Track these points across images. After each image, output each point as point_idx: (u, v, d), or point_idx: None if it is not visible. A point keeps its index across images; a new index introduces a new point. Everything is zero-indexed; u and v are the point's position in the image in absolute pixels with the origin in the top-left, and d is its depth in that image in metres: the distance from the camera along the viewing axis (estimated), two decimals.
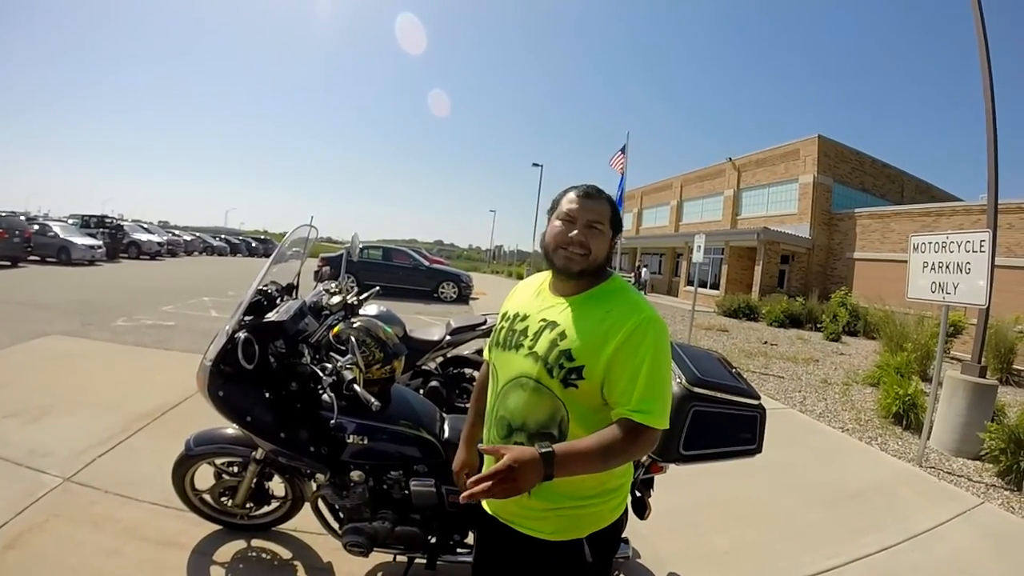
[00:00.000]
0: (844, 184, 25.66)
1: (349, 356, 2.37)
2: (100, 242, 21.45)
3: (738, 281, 25.12)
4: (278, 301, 2.86)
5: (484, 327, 4.66)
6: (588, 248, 1.48)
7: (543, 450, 1.23)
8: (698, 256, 12.01)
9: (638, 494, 2.53)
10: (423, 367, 4.67)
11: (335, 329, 2.69)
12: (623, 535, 1.90)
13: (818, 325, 16.72)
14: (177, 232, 37.10)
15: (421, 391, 4.33)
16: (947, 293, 5.50)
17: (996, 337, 10.50)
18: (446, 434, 2.57)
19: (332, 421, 2.30)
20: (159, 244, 27.97)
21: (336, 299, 3.19)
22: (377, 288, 4.35)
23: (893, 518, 4.05)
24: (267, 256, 2.98)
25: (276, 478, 2.87)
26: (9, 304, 9.54)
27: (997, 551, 3.76)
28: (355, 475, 2.46)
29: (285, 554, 2.88)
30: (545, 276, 1.67)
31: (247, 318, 2.57)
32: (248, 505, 2.90)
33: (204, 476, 2.92)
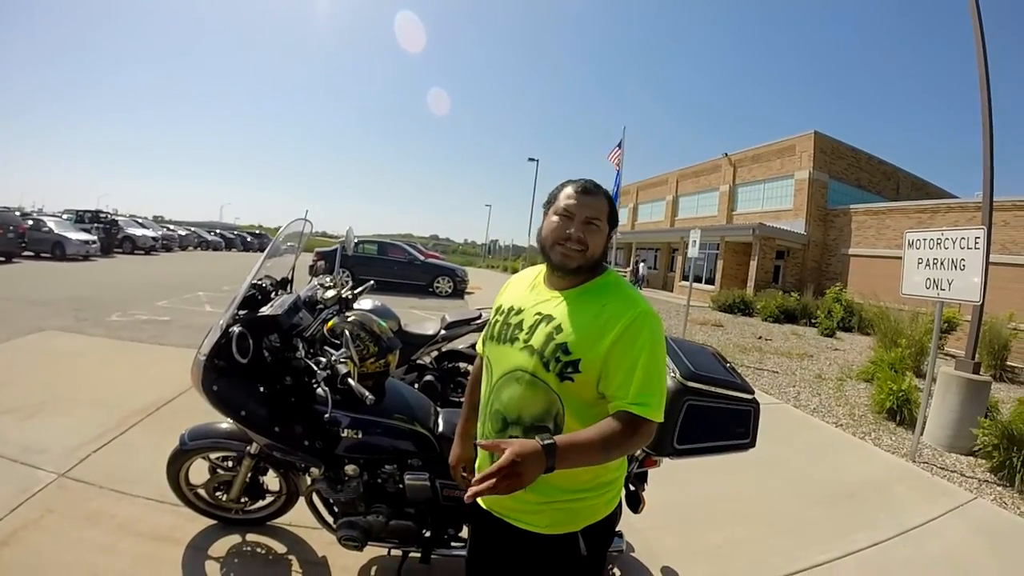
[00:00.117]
0: (840, 180, 25.66)
1: (343, 350, 2.37)
2: (94, 237, 21.37)
3: (733, 276, 25.13)
4: (272, 295, 2.84)
5: (479, 321, 4.67)
6: (586, 244, 1.48)
7: (545, 442, 1.22)
8: (693, 251, 12.02)
9: (632, 488, 2.53)
10: (418, 361, 4.67)
11: (329, 323, 2.68)
12: (617, 529, 1.90)
13: (813, 321, 16.80)
14: (172, 227, 36.97)
15: (416, 385, 4.33)
16: (941, 289, 5.51)
17: (990, 334, 10.55)
18: (440, 428, 2.57)
19: (326, 415, 2.30)
20: (154, 239, 27.85)
21: (331, 293, 3.18)
22: (371, 282, 4.35)
23: (886, 513, 4.08)
24: (262, 251, 2.97)
25: (271, 472, 2.87)
26: (3, 300, 9.50)
27: (990, 546, 3.78)
28: (349, 469, 2.46)
29: (280, 548, 2.88)
30: (539, 270, 1.67)
31: (241, 312, 2.56)
32: (243, 500, 2.90)
33: (199, 471, 2.92)
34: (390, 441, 2.47)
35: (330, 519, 2.63)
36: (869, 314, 13.64)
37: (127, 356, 6.46)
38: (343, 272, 4.06)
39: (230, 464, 2.86)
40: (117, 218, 27.88)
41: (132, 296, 11.19)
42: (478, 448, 1.64)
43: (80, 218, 25.50)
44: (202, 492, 2.94)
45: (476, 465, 1.68)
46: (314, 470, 2.54)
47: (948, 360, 9.58)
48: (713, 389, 2.32)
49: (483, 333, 1.75)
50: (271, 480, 2.94)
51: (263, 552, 2.85)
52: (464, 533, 2.59)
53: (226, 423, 2.73)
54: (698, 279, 26.26)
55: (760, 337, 13.51)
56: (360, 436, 2.44)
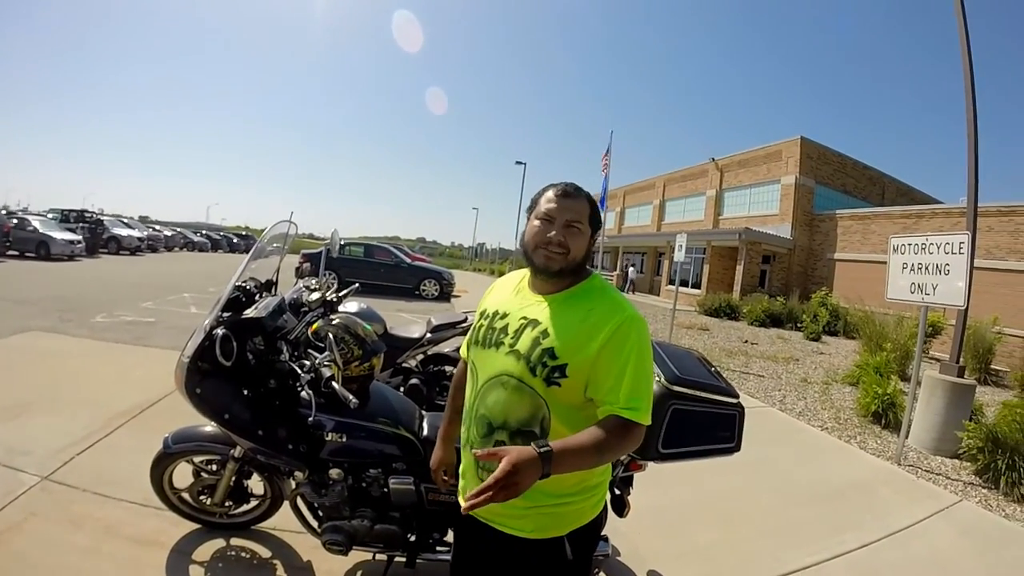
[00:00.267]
0: (826, 185, 25.90)
1: (327, 353, 2.36)
2: (80, 237, 21.17)
3: (719, 281, 25.27)
4: (257, 297, 2.83)
5: (465, 325, 4.65)
6: (567, 247, 1.48)
7: (541, 449, 1.21)
8: (680, 255, 12.07)
9: (617, 492, 2.53)
10: (403, 365, 4.65)
11: (314, 326, 2.67)
12: (603, 533, 1.90)
13: (798, 325, 16.89)
14: (158, 227, 36.70)
15: (401, 389, 4.31)
16: (926, 294, 5.56)
17: (975, 338, 10.67)
18: (425, 432, 2.56)
19: (310, 419, 2.29)
20: (139, 239, 27.62)
21: (315, 296, 3.17)
22: (356, 285, 4.33)
23: (872, 515, 4.10)
24: (248, 252, 2.96)
25: (255, 476, 2.85)
26: None
27: (975, 548, 3.82)
28: (334, 473, 2.45)
29: (264, 553, 2.86)
30: (523, 274, 1.66)
31: (225, 314, 2.54)
32: (227, 503, 2.87)
33: (183, 474, 2.90)
34: (375, 445, 2.46)
35: (315, 523, 2.62)
36: (854, 318, 13.75)
37: (112, 357, 6.40)
38: (329, 274, 4.04)
39: (214, 468, 2.84)
40: (103, 218, 27.63)
41: (117, 297, 11.09)
42: (463, 453, 1.63)
43: (65, 217, 25.28)
44: (186, 496, 2.91)
45: (460, 470, 1.67)
46: (298, 474, 2.52)
47: (933, 364, 9.67)
48: (698, 393, 2.32)
49: (467, 337, 1.74)
50: (255, 484, 2.91)
51: (248, 556, 2.83)
52: (449, 537, 2.58)
53: (210, 426, 2.71)
54: (684, 283, 26.39)
55: (746, 341, 13.57)
56: (344, 440, 2.42)
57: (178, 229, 40.73)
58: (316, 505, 2.58)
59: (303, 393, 2.36)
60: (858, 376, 8.44)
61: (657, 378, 2.25)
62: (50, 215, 25.39)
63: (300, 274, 13.28)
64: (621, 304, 1.48)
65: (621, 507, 2.53)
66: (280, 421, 2.42)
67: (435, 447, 1.93)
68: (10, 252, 18.41)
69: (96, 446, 3.87)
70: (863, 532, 3.80)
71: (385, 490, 2.48)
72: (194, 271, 20.25)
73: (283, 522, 2.92)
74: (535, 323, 1.48)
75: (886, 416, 6.62)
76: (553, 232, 1.48)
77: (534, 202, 1.57)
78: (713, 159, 30.93)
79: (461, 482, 1.67)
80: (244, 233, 52.85)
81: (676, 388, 2.27)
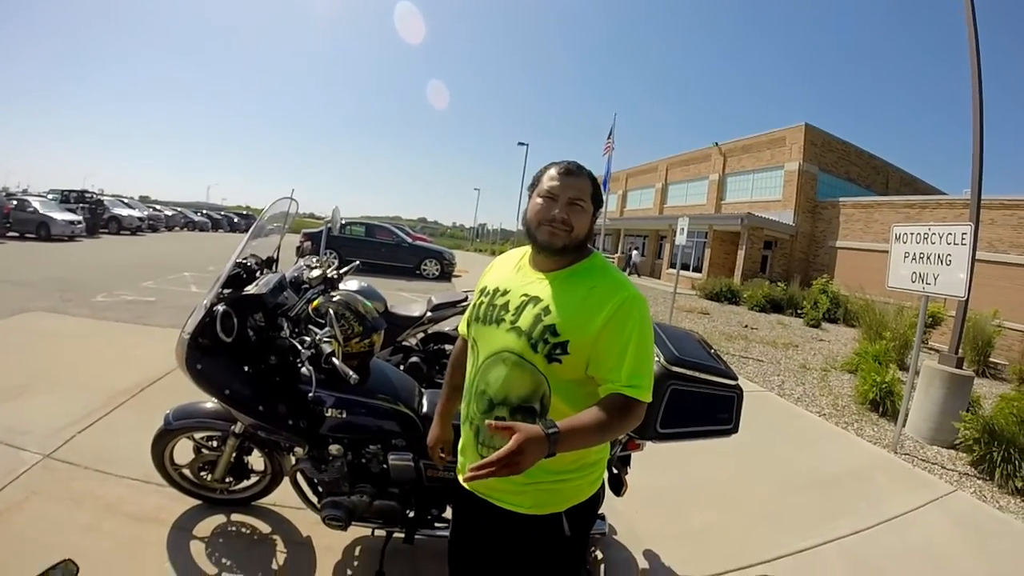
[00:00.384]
0: (829, 173, 25.77)
1: (328, 329, 2.36)
2: (80, 217, 21.07)
3: (721, 265, 25.22)
4: (258, 274, 2.82)
5: (465, 303, 4.65)
6: (571, 224, 1.48)
7: (550, 430, 1.23)
8: (681, 239, 12.05)
9: (615, 471, 2.55)
10: (404, 343, 4.67)
11: (314, 302, 2.67)
12: (600, 511, 1.92)
13: (799, 311, 16.89)
14: (158, 207, 36.57)
15: (401, 366, 4.32)
16: (927, 284, 5.56)
17: (974, 330, 10.66)
18: (424, 408, 2.57)
19: (310, 394, 2.30)
20: (140, 219, 27.49)
21: (316, 273, 3.17)
22: (357, 263, 4.34)
23: (867, 502, 4.13)
24: (248, 232, 2.95)
25: (255, 452, 2.87)
26: None
27: (968, 538, 3.85)
28: (333, 449, 2.46)
29: (264, 528, 2.89)
30: (524, 251, 1.67)
31: (226, 291, 2.55)
32: (227, 480, 2.89)
33: (184, 451, 2.91)
34: (374, 421, 2.47)
35: (314, 499, 2.63)
36: (855, 306, 13.75)
37: (112, 337, 6.41)
38: (329, 253, 4.04)
39: (215, 444, 2.85)
40: (103, 198, 27.50)
41: (117, 277, 11.08)
42: (463, 429, 1.64)
43: (66, 198, 25.13)
44: (187, 472, 2.93)
45: (460, 446, 1.68)
46: (298, 450, 2.54)
47: (932, 354, 9.68)
48: (697, 374, 2.33)
49: (466, 314, 1.74)
50: (256, 460, 2.93)
51: (248, 532, 2.86)
52: (448, 513, 2.60)
53: (211, 403, 2.73)
54: (685, 267, 26.33)
55: (746, 326, 13.59)
56: (344, 416, 2.44)
57: (179, 209, 40.61)
58: (316, 481, 2.60)
59: (303, 369, 2.36)
60: (857, 364, 8.45)
61: (656, 358, 2.25)
62: (50, 196, 25.24)
63: (301, 253, 13.26)
64: (623, 283, 1.49)
65: (618, 486, 2.55)
66: (280, 397, 2.43)
67: (432, 424, 1.93)
68: (10, 233, 18.34)
69: (97, 424, 3.89)
70: (857, 518, 3.82)
71: (384, 466, 2.49)
72: (194, 251, 20.22)
73: (283, 498, 2.94)
74: (537, 300, 1.49)
75: (884, 404, 6.64)
76: (556, 210, 1.48)
77: (536, 180, 1.57)
78: (716, 144, 30.75)
79: (460, 459, 1.67)
80: (245, 213, 52.73)
81: (675, 369, 2.28)
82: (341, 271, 3.69)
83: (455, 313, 4.70)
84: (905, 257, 5.87)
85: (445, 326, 4.88)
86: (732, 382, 2.44)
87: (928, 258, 5.58)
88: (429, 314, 4.66)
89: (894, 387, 6.72)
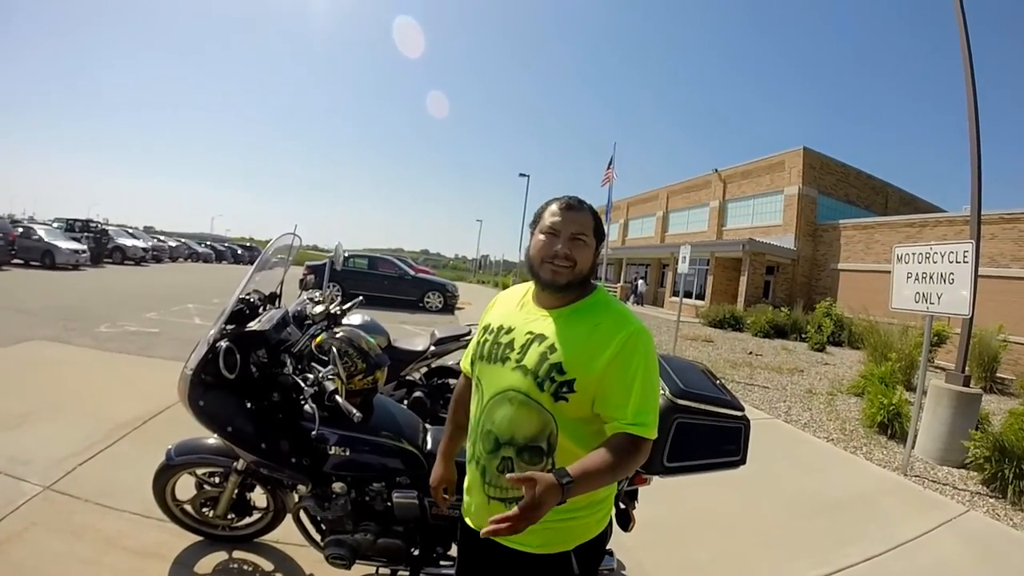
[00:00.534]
0: (829, 196, 25.88)
1: (331, 366, 2.36)
2: (85, 246, 21.24)
3: (723, 292, 25.23)
4: (261, 310, 2.83)
5: (469, 337, 4.65)
6: (573, 260, 1.48)
7: (565, 481, 1.22)
8: (683, 267, 12.06)
9: (622, 506, 2.52)
10: (407, 377, 4.65)
11: (317, 339, 2.67)
12: (608, 547, 1.89)
13: (803, 335, 16.84)
14: (162, 238, 36.84)
15: (405, 402, 4.31)
16: (931, 303, 5.54)
17: (980, 346, 10.62)
18: (429, 446, 2.55)
19: (314, 432, 2.29)
20: (144, 249, 27.71)
21: (319, 308, 3.17)
22: (360, 298, 4.34)
23: (878, 527, 4.08)
24: (252, 263, 2.96)
25: (258, 489, 2.84)
26: None
27: (982, 558, 3.79)
28: (337, 487, 2.44)
29: (267, 566, 2.85)
30: (527, 288, 1.66)
31: (229, 327, 2.54)
32: (230, 516, 2.87)
33: (185, 486, 2.89)
34: (378, 459, 2.45)
35: (317, 537, 2.61)
36: (859, 328, 13.71)
37: (115, 368, 6.40)
38: (332, 287, 4.05)
39: (217, 480, 2.84)
40: (107, 228, 27.73)
41: (121, 307, 11.11)
42: (469, 469, 1.62)
43: (70, 227, 25.36)
44: (188, 508, 2.91)
45: (465, 485, 1.66)
46: (301, 487, 2.52)
47: (938, 373, 9.63)
48: (703, 407, 2.31)
49: (468, 352, 1.74)
50: (258, 497, 2.91)
51: (250, 569, 2.82)
52: (453, 551, 2.57)
53: (213, 438, 2.71)
54: (688, 295, 26.36)
55: (750, 352, 13.53)
56: (348, 453, 2.42)
57: (182, 240, 40.89)
58: (319, 519, 2.58)
59: (306, 406, 2.36)
60: (863, 386, 8.40)
61: (662, 392, 2.23)
62: (55, 224, 25.48)
63: (304, 286, 13.30)
64: (627, 318, 1.48)
65: (626, 521, 2.52)
66: (283, 434, 2.42)
67: (435, 464, 1.90)
68: (15, 261, 18.47)
69: (98, 456, 3.87)
70: (869, 544, 3.77)
71: (388, 504, 2.47)
72: (198, 282, 20.29)
73: (286, 535, 2.91)
74: (542, 338, 1.48)
75: (892, 426, 6.59)
76: (559, 245, 1.48)
77: (538, 216, 1.58)
78: (716, 170, 30.94)
79: (466, 498, 1.66)
80: (248, 244, 52.98)
81: (681, 402, 2.26)
82: (344, 306, 3.69)
83: (459, 347, 4.68)
84: (908, 277, 5.86)
85: (449, 360, 4.86)
86: (739, 413, 2.41)
87: (931, 277, 5.57)
88: (433, 348, 4.65)
89: (902, 408, 6.67)
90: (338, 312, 3.46)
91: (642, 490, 2.63)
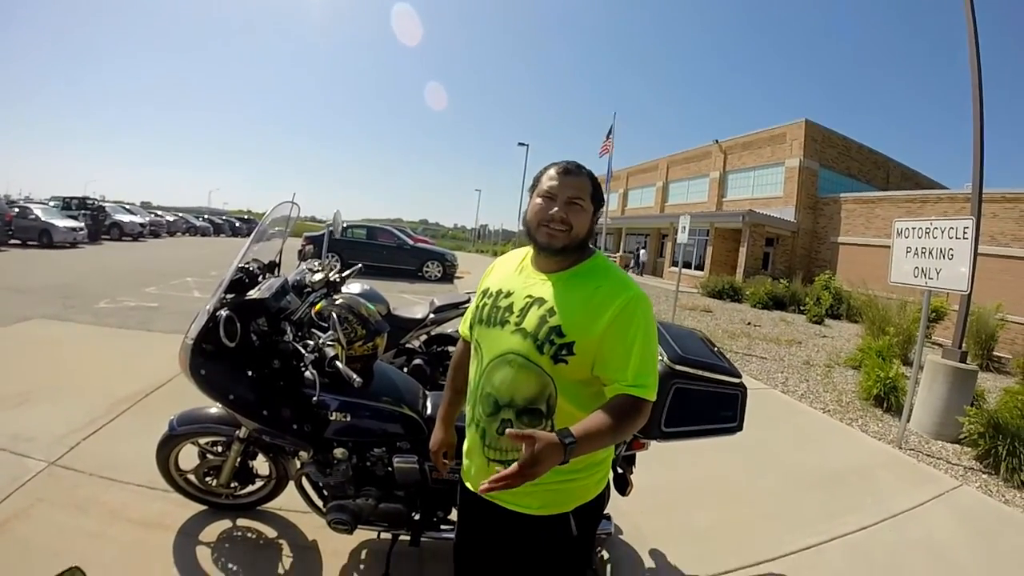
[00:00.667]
0: (830, 169, 25.71)
1: (331, 333, 2.36)
2: (82, 224, 21.12)
3: (723, 263, 25.16)
4: (260, 279, 2.82)
5: (467, 305, 4.64)
6: (569, 224, 1.48)
7: (567, 441, 1.22)
8: (683, 237, 12.04)
9: (620, 471, 2.54)
10: (407, 345, 4.67)
11: (317, 306, 2.67)
12: (605, 511, 1.92)
13: (801, 308, 16.86)
14: (159, 213, 36.63)
15: (405, 369, 4.33)
16: (929, 278, 5.54)
17: (977, 324, 10.64)
18: (429, 411, 2.56)
19: (314, 398, 2.30)
20: (141, 225, 27.57)
21: (318, 276, 3.17)
22: (359, 266, 4.34)
23: (872, 498, 4.12)
24: (250, 236, 2.96)
25: (260, 457, 2.87)
26: None
27: (974, 532, 3.83)
28: (338, 452, 2.46)
29: (270, 533, 2.89)
30: (525, 252, 1.66)
31: (228, 296, 2.55)
32: (233, 484, 2.89)
33: (188, 456, 2.91)
34: (378, 424, 2.47)
35: (320, 503, 2.64)
36: (857, 302, 13.72)
37: (115, 343, 6.43)
38: (331, 256, 4.04)
39: (219, 449, 2.86)
40: (104, 205, 27.55)
41: (120, 283, 11.10)
42: (468, 432, 1.64)
43: (67, 205, 25.19)
44: (192, 477, 2.94)
45: (465, 449, 1.68)
46: (303, 454, 2.55)
47: (935, 349, 9.67)
48: (701, 373, 2.33)
49: (467, 316, 1.74)
50: (261, 464, 2.94)
51: (254, 537, 2.86)
52: (453, 515, 2.60)
53: (215, 408, 2.73)
54: (687, 265, 26.28)
55: (749, 323, 13.58)
56: (348, 419, 2.44)
57: (180, 214, 40.66)
58: (321, 485, 2.61)
59: (307, 373, 2.37)
60: (860, 359, 8.45)
61: (660, 357, 2.25)
62: (52, 203, 25.32)
63: (303, 256, 13.31)
64: (626, 282, 1.49)
65: (624, 486, 2.54)
66: (284, 401, 2.43)
67: (435, 428, 1.91)
68: (12, 241, 18.39)
69: (101, 431, 3.90)
70: (862, 515, 3.81)
71: (389, 469, 2.49)
72: (196, 256, 20.23)
73: (288, 502, 2.94)
74: (541, 301, 1.48)
75: (888, 400, 6.63)
76: (555, 209, 1.48)
77: (536, 181, 1.58)
78: (717, 141, 30.70)
79: (465, 461, 1.67)
80: (246, 217, 52.75)
81: (679, 367, 2.28)
82: (343, 274, 3.69)
83: (458, 315, 4.69)
84: (907, 252, 5.85)
85: (448, 328, 4.88)
86: (736, 380, 2.44)
87: (930, 253, 5.57)
88: (432, 316, 4.66)
89: (898, 382, 6.71)
90: (337, 280, 3.47)
91: (640, 456, 2.66)
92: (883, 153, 28.48)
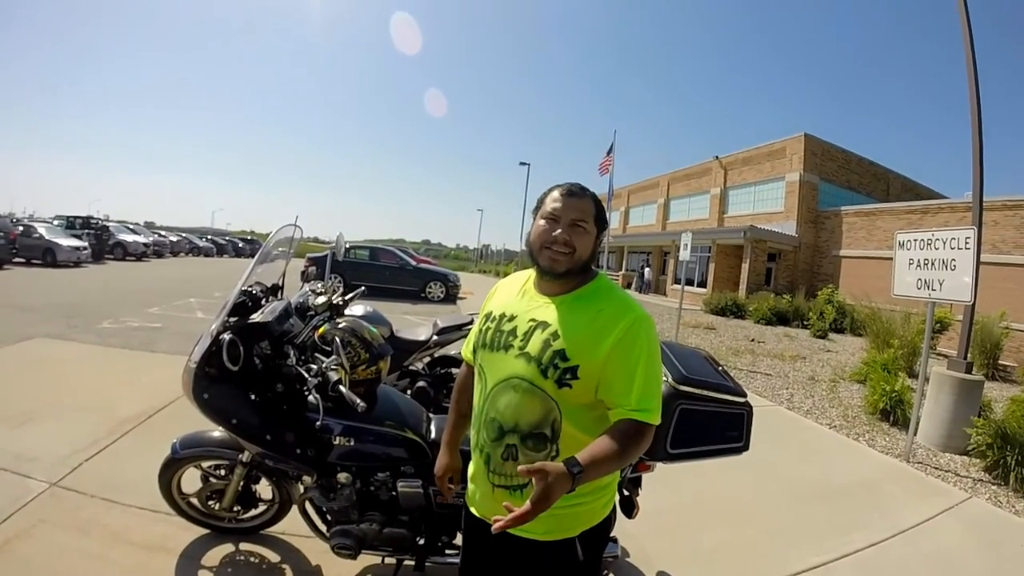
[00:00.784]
0: (830, 182, 25.78)
1: (334, 357, 2.36)
2: (85, 243, 21.26)
3: (725, 279, 25.16)
4: (263, 302, 2.82)
5: (471, 326, 4.64)
6: (573, 247, 1.47)
7: (575, 470, 1.21)
8: (685, 254, 12.03)
9: (626, 493, 2.53)
10: (410, 367, 4.66)
11: (320, 330, 2.67)
12: (612, 534, 1.90)
13: (805, 322, 16.82)
14: (163, 233, 36.79)
15: (408, 391, 4.32)
16: (932, 290, 5.53)
17: (982, 333, 10.60)
18: (433, 435, 2.55)
19: (318, 423, 2.29)
20: (145, 245, 27.72)
21: (321, 299, 3.17)
22: (362, 288, 4.35)
23: (880, 514, 4.08)
24: (254, 256, 2.96)
25: (263, 481, 2.85)
26: None
27: (984, 545, 3.79)
28: (342, 477, 2.44)
29: (273, 557, 2.86)
30: (528, 275, 1.66)
31: (232, 319, 2.54)
32: (235, 508, 2.88)
33: (191, 479, 2.89)
34: (382, 448, 2.46)
35: (323, 527, 2.62)
36: (861, 315, 13.70)
37: (118, 363, 6.42)
38: (334, 278, 4.04)
39: (222, 472, 2.84)
40: (108, 224, 27.73)
41: (123, 303, 11.13)
42: (473, 456, 1.63)
43: (71, 224, 25.36)
44: (194, 501, 2.92)
45: (470, 474, 1.66)
46: (307, 478, 2.53)
47: (941, 360, 9.63)
48: (705, 393, 2.31)
49: (470, 340, 1.73)
50: (264, 488, 2.92)
51: (256, 561, 2.83)
52: (458, 540, 2.57)
53: (218, 431, 2.71)
54: (690, 282, 26.31)
55: (752, 339, 13.54)
56: (352, 443, 2.42)
57: (183, 234, 40.84)
58: (324, 509, 2.59)
59: (310, 397, 2.36)
60: (866, 373, 8.40)
61: (664, 378, 2.24)
62: (56, 222, 25.47)
63: (306, 278, 13.30)
64: (630, 304, 1.48)
65: (630, 508, 2.52)
66: (288, 425, 2.42)
67: (440, 453, 1.90)
68: (16, 259, 18.49)
69: (104, 452, 3.89)
70: (872, 531, 3.78)
71: (393, 493, 2.47)
72: (199, 276, 20.30)
73: (292, 526, 2.92)
74: (544, 325, 1.48)
75: (894, 413, 6.59)
76: (558, 231, 1.48)
77: (539, 202, 1.57)
78: (717, 157, 30.82)
79: (470, 486, 1.66)
80: (249, 237, 52.95)
81: (683, 388, 2.27)
82: (346, 297, 3.70)
83: (461, 336, 4.67)
84: (909, 264, 5.85)
85: (451, 349, 4.86)
86: (741, 399, 2.42)
87: (932, 264, 5.56)
88: (435, 338, 4.65)
89: (904, 395, 6.68)
90: (340, 303, 3.47)
91: (645, 477, 2.64)
92: (883, 165, 28.58)
